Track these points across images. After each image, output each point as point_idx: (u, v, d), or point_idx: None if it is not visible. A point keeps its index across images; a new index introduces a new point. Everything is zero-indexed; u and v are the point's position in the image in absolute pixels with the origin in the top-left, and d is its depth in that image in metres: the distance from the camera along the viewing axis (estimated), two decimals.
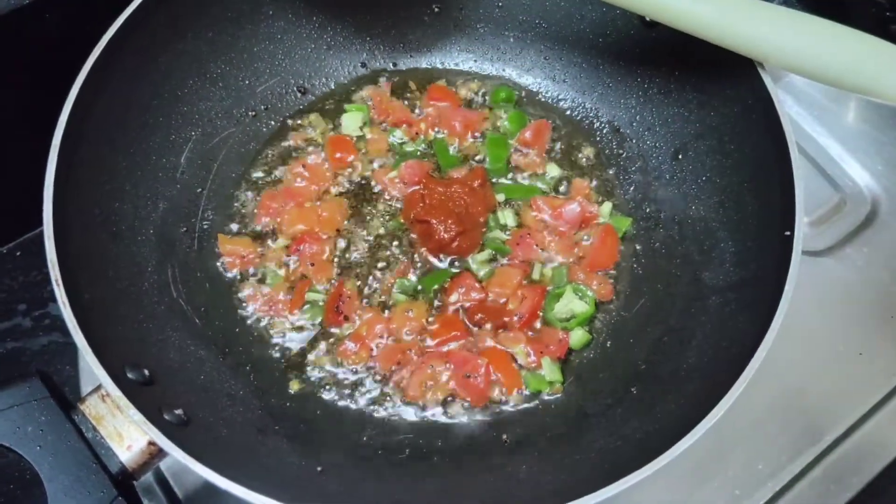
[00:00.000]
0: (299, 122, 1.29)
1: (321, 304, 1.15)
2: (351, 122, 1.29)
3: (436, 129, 1.29)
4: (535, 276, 1.17)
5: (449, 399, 1.09)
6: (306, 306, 1.14)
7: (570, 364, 1.13)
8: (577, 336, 1.13)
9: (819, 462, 1.14)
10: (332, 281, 1.16)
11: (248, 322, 1.13)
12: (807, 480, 1.12)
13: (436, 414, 1.08)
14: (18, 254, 1.34)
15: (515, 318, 1.13)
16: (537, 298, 1.14)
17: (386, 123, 1.30)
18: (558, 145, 1.29)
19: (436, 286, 1.16)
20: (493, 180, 1.25)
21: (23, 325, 1.28)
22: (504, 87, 1.32)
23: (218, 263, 1.16)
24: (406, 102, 1.32)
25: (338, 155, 1.26)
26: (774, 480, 1.12)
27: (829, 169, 1.37)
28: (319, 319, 1.14)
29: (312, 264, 1.17)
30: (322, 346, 1.12)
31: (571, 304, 1.14)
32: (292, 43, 1.28)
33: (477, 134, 1.29)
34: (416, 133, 1.28)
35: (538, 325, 1.14)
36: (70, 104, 0.97)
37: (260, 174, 1.24)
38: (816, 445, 1.14)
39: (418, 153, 1.27)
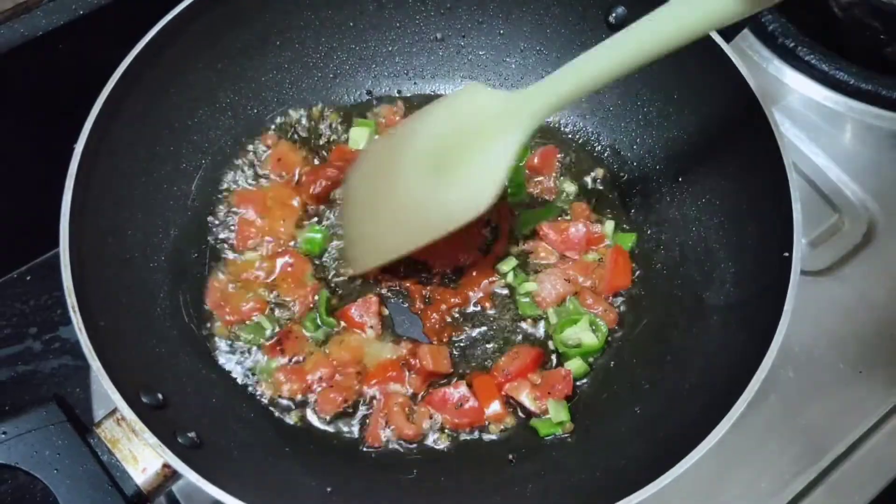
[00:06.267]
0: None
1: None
2: (359, 135, 1.30)
3: None
4: (553, 320, 1.17)
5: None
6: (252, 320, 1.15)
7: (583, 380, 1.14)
8: (576, 366, 1.13)
9: (821, 480, 1.14)
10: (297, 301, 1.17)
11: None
12: (809, 499, 1.13)
13: (438, 441, 1.09)
14: (29, 278, 1.36)
15: (503, 374, 1.12)
16: (529, 362, 1.12)
17: None
18: (564, 169, 1.31)
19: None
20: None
21: (34, 349, 1.30)
22: None
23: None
24: None
25: (339, 163, 1.26)
26: (777, 499, 1.12)
27: (826, 190, 1.38)
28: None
29: (288, 278, 1.17)
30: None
31: (582, 334, 1.14)
32: (299, 72, 1.30)
33: None
34: None
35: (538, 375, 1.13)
36: (85, 136, 0.99)
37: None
38: (818, 463, 1.15)
39: None
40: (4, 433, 0.85)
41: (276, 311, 1.16)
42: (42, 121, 1.21)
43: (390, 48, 1.34)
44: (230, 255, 1.20)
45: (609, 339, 1.16)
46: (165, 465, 0.86)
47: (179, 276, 1.13)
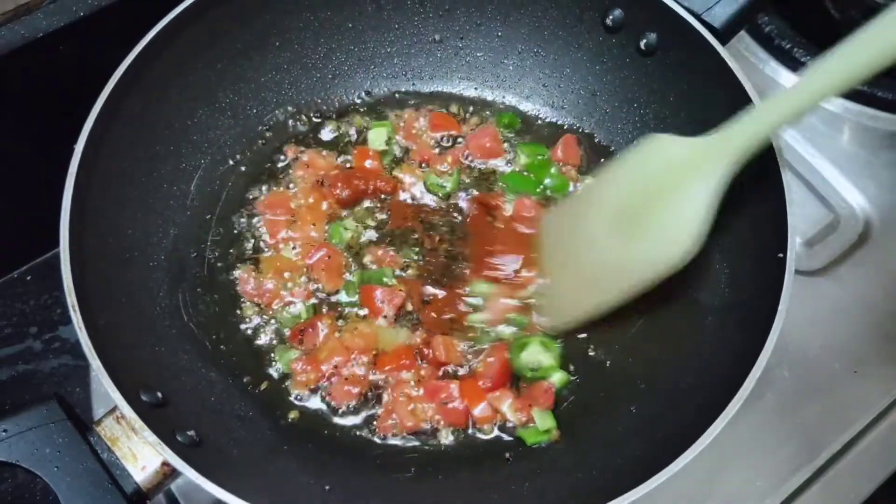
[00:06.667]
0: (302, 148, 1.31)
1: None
2: (376, 137, 1.31)
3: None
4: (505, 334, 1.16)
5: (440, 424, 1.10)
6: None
7: (569, 386, 1.14)
8: (557, 377, 1.12)
9: (816, 479, 1.15)
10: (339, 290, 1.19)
11: (257, 345, 1.15)
12: (805, 497, 1.14)
13: (437, 436, 1.10)
14: (29, 278, 1.36)
15: (483, 383, 1.11)
16: (504, 361, 1.12)
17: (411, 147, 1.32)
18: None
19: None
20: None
21: (34, 348, 1.30)
22: (507, 113, 1.35)
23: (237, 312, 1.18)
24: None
25: (367, 164, 1.28)
26: (772, 497, 1.13)
27: (822, 190, 1.39)
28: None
29: (324, 270, 1.19)
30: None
31: (539, 356, 1.12)
32: (298, 73, 1.30)
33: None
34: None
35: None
36: (85, 136, 0.99)
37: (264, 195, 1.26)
38: (813, 462, 1.16)
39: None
40: (5, 431, 0.86)
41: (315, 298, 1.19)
42: (42, 121, 1.22)
43: (389, 49, 1.35)
44: (265, 252, 1.21)
45: (606, 340, 1.16)
46: (165, 463, 0.87)
47: (179, 275, 1.14)
